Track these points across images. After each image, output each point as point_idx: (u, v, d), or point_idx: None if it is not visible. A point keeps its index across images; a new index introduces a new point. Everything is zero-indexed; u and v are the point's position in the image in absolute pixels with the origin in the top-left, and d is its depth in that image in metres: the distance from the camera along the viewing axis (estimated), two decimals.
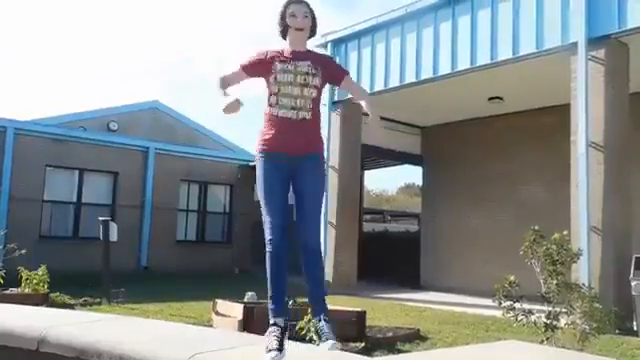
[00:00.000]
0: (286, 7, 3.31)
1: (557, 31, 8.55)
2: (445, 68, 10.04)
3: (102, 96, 75.46)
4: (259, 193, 3.20)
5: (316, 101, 3.25)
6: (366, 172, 17.77)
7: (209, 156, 17.31)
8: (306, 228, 3.19)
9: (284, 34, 3.35)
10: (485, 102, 11.65)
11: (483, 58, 9.52)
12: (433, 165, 14.04)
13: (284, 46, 3.35)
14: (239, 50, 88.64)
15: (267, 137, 3.19)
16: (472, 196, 12.81)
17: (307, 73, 3.20)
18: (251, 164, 17.16)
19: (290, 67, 3.20)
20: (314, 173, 3.23)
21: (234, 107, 3.10)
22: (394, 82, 10.92)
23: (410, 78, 10.62)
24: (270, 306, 3.09)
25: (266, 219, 3.12)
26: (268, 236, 3.11)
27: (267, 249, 3.11)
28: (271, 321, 3.02)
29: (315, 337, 3.09)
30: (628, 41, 8.12)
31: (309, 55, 3.32)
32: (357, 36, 11.61)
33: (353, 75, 11.63)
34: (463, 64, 9.79)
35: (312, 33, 3.38)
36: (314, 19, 3.35)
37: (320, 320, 3.07)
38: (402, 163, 16.15)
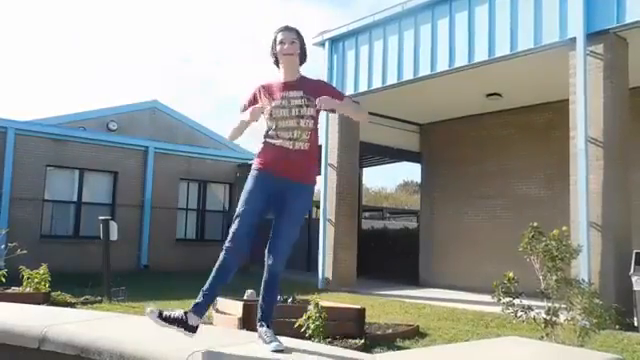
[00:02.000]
0: (275, 36, 3.41)
1: (555, 26, 8.51)
2: (443, 65, 10.00)
3: (101, 96, 75.45)
4: (240, 200, 3.30)
5: (313, 130, 3.33)
6: (365, 169, 17.80)
7: (208, 155, 17.32)
8: (275, 251, 3.26)
9: (277, 63, 3.43)
10: (483, 98, 11.61)
11: (481, 54, 9.48)
12: (432, 162, 14.02)
13: (277, 76, 3.42)
14: (237, 51, 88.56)
15: (262, 159, 3.30)
16: (471, 193, 12.79)
17: (300, 105, 3.27)
18: (250, 162, 17.15)
19: (284, 102, 3.28)
20: (300, 201, 3.30)
21: (256, 113, 3.22)
22: (392, 79, 10.88)
23: (408, 75, 10.59)
24: (197, 300, 3.16)
25: (232, 226, 3.22)
26: (227, 243, 3.20)
27: (222, 254, 3.20)
28: (182, 312, 3.08)
29: (261, 341, 3.16)
30: (627, 36, 8.09)
31: (302, 84, 3.37)
32: (354, 34, 11.57)
33: (351, 73, 11.65)
34: (461, 61, 9.75)
35: (303, 58, 3.45)
36: (303, 45, 3.43)
37: (262, 326, 3.18)
38: (401, 160, 16.16)
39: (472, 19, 9.64)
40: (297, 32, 3.43)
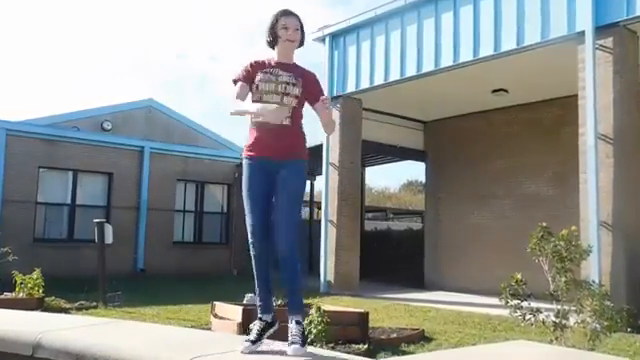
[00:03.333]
0: (278, 18, 3.39)
1: (563, 20, 8.41)
2: (447, 60, 9.90)
3: (94, 95, 75.44)
4: (243, 195, 3.34)
5: (297, 110, 3.35)
6: (367, 169, 17.69)
7: (205, 155, 17.22)
8: (278, 232, 3.27)
9: (273, 44, 3.43)
10: (489, 95, 11.51)
11: (486, 49, 9.37)
12: (436, 161, 13.91)
13: (271, 56, 3.45)
14: (232, 46, 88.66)
15: (251, 142, 3.33)
16: (477, 192, 12.69)
17: (287, 82, 3.31)
18: None
19: (272, 77, 3.33)
20: (293, 178, 3.32)
21: (272, 114, 3.24)
22: (395, 76, 10.79)
23: (411, 71, 10.50)
24: (258, 303, 3.35)
25: (247, 221, 3.29)
26: (250, 238, 3.28)
27: (250, 251, 3.29)
28: (259, 316, 3.28)
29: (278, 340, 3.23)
30: (637, 29, 8.01)
31: (294, 68, 3.43)
32: (356, 29, 11.47)
33: (352, 69, 11.51)
34: (466, 56, 9.65)
35: (300, 44, 3.49)
36: (303, 32, 3.47)
37: (291, 322, 3.16)
38: (404, 159, 16.05)
39: (477, 13, 9.53)
40: (299, 18, 3.44)
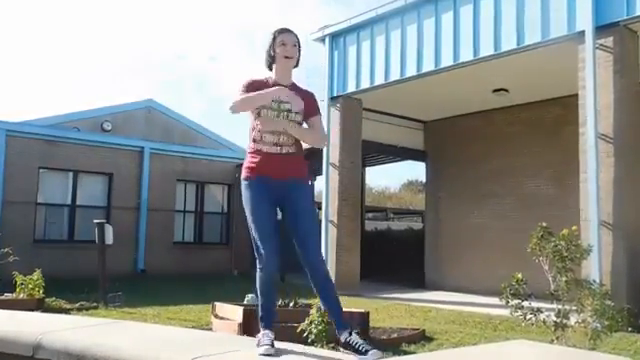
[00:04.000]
0: (275, 36, 3.39)
1: (563, 19, 8.38)
2: (447, 60, 9.86)
3: (94, 95, 75.23)
4: (248, 218, 3.28)
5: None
6: (367, 168, 17.66)
7: (206, 155, 17.20)
8: (308, 252, 3.27)
9: (270, 63, 3.42)
10: (490, 94, 11.48)
11: (486, 49, 9.33)
12: (437, 160, 13.88)
13: (269, 76, 3.43)
14: (232, 46, 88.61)
15: (252, 165, 3.30)
16: (477, 192, 12.66)
17: (289, 111, 3.30)
18: None
19: (274, 105, 3.28)
20: (302, 193, 3.33)
21: (281, 124, 3.28)
22: (395, 76, 10.75)
23: (411, 71, 10.46)
24: (261, 322, 3.29)
25: (258, 244, 3.22)
26: (260, 262, 3.24)
27: (259, 273, 3.27)
28: (265, 326, 3.26)
29: (352, 353, 3.12)
30: (638, 28, 7.97)
31: (294, 89, 3.40)
32: (356, 29, 11.43)
33: (352, 69, 11.50)
34: (466, 56, 9.60)
35: (297, 63, 3.47)
36: (300, 50, 3.45)
37: (351, 334, 3.16)
38: (405, 159, 16.03)
39: (477, 12, 9.49)
40: (296, 36, 3.45)
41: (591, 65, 7.85)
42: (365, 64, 11.25)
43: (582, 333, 4.64)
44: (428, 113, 13.56)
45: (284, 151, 3.28)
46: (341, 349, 3.19)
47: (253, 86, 3.33)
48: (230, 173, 17.37)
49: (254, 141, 3.31)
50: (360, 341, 3.09)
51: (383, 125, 13.03)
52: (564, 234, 4.93)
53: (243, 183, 3.32)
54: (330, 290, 3.32)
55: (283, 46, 3.35)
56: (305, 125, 3.45)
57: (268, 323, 3.27)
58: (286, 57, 3.36)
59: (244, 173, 3.33)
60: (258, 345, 3.06)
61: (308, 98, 3.49)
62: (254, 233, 3.24)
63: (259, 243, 3.22)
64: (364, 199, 17.13)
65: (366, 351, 3.00)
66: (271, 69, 3.44)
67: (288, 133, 3.28)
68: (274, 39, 3.37)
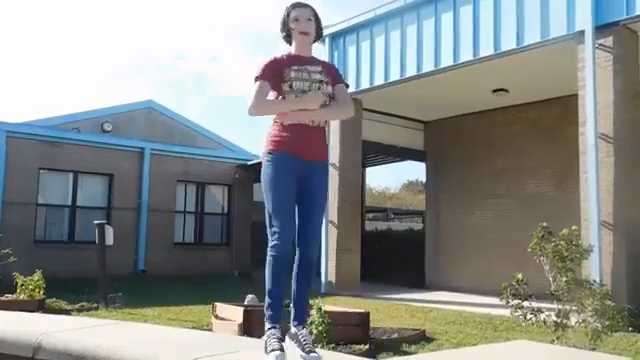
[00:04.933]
0: (289, 11, 3.23)
1: (563, 19, 8.39)
2: (447, 60, 9.87)
3: (94, 96, 75.25)
4: (267, 195, 3.06)
5: None
6: (367, 169, 17.65)
7: (206, 156, 17.17)
8: (308, 237, 3.12)
9: (289, 39, 3.27)
10: (489, 94, 11.46)
11: (486, 49, 9.34)
12: (437, 161, 13.86)
13: (289, 51, 3.26)
14: (231, 47, 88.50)
15: (279, 139, 3.07)
16: (477, 192, 12.64)
17: (321, 81, 3.13)
18: (249, 163, 17.01)
19: (304, 74, 3.12)
20: (322, 181, 3.19)
21: (314, 101, 3.07)
22: (395, 76, 10.75)
23: (411, 71, 10.46)
24: (268, 312, 3.01)
25: (275, 222, 3.00)
26: (275, 241, 2.98)
27: (271, 253, 3.00)
28: (268, 326, 2.96)
29: (295, 344, 2.94)
30: (637, 28, 7.98)
31: (318, 61, 3.27)
32: (355, 30, 11.44)
33: (352, 70, 11.49)
34: (466, 56, 9.61)
35: (317, 37, 3.30)
36: (319, 22, 3.27)
37: (303, 328, 2.99)
38: (405, 159, 16.01)
39: (477, 12, 9.50)
40: (312, 9, 3.25)
41: (591, 65, 7.86)
42: (365, 64, 11.25)
43: (582, 333, 4.67)
44: (428, 113, 13.53)
45: (316, 123, 3.10)
46: (287, 339, 2.95)
47: (272, 66, 3.11)
48: (230, 174, 17.37)
49: (285, 113, 3.10)
50: (309, 339, 2.93)
51: (383, 125, 13.02)
52: (564, 234, 4.95)
53: (266, 156, 3.08)
54: (308, 279, 3.15)
55: (297, 22, 3.18)
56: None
57: (276, 317, 2.97)
58: (301, 33, 3.19)
59: (269, 146, 3.08)
60: (266, 351, 2.82)
61: (333, 68, 3.39)
62: (270, 208, 3.03)
63: (274, 218, 3.00)
64: (364, 199, 17.14)
65: (310, 351, 2.83)
66: (290, 44, 3.26)
67: (322, 106, 3.09)
68: (288, 15, 3.22)
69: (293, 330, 2.99)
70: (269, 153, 3.07)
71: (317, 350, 2.93)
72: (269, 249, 3.01)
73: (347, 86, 3.32)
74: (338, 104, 3.22)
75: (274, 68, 3.11)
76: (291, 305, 3.12)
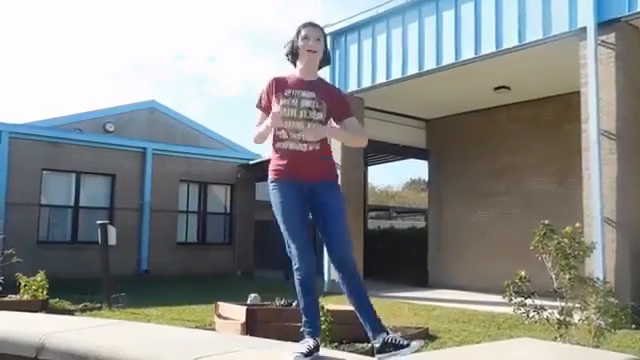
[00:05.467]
0: (299, 30, 3.29)
1: (565, 16, 8.33)
2: (449, 58, 9.81)
3: (96, 97, 75.31)
4: (279, 220, 3.16)
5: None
6: (370, 167, 17.63)
7: (208, 155, 17.17)
8: (336, 253, 3.16)
9: (294, 59, 3.31)
10: (491, 92, 11.41)
11: (488, 46, 9.28)
12: (439, 159, 13.82)
13: (293, 73, 3.32)
14: (232, 47, 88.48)
15: (279, 167, 3.19)
16: (480, 190, 12.60)
17: (310, 108, 3.17)
18: (251, 162, 17.01)
19: (293, 101, 3.17)
20: (331, 199, 3.22)
21: (276, 118, 3.13)
22: (396, 74, 10.69)
23: (413, 69, 10.41)
24: (307, 329, 3.08)
25: (292, 246, 3.10)
26: (296, 264, 3.08)
27: (296, 276, 3.11)
28: (310, 336, 3.05)
29: (394, 351, 2.95)
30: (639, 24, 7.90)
31: (317, 86, 3.27)
32: (357, 28, 11.39)
33: (354, 68, 11.48)
34: (467, 53, 9.56)
35: (324, 62, 3.35)
36: (326, 46, 3.33)
37: (388, 334, 3.01)
38: (407, 157, 15.98)
39: (478, 10, 9.45)
40: (322, 30, 3.32)
41: (593, 61, 7.80)
42: (366, 63, 11.21)
43: (586, 331, 4.61)
44: (430, 111, 13.50)
45: (310, 148, 3.16)
46: (376, 356, 2.94)
47: (274, 87, 3.23)
48: (233, 173, 17.37)
49: (280, 140, 3.20)
50: (398, 337, 2.97)
51: (385, 124, 12.98)
52: (567, 231, 4.89)
53: (270, 185, 3.22)
54: (359, 288, 3.17)
55: (306, 40, 3.23)
56: (334, 124, 3.34)
57: (311, 329, 3.06)
58: (309, 51, 3.23)
59: (271, 175, 3.22)
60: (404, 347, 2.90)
61: (339, 97, 3.42)
62: (284, 233, 3.14)
63: (290, 242, 3.10)
64: (367, 198, 17.13)
65: (407, 344, 2.89)
66: (295, 65, 3.32)
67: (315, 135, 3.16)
68: (298, 33, 3.27)
69: (377, 344, 2.98)
70: (271, 182, 3.21)
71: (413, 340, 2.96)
72: (294, 271, 3.11)
73: (352, 115, 3.37)
74: (354, 131, 3.37)
75: (270, 93, 3.24)
76: (361, 321, 3.12)
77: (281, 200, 3.14)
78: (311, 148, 3.16)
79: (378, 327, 3.05)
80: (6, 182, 13.54)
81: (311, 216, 3.23)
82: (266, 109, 3.27)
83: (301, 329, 3.10)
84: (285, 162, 3.17)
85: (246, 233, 17.21)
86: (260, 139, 3.28)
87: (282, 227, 3.14)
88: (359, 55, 11.36)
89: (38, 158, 14.11)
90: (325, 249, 3.20)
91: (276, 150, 3.22)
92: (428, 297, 10.32)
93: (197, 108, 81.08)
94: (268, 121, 3.17)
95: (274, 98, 3.21)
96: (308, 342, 2.97)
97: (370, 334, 3.05)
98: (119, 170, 15.39)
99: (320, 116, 3.19)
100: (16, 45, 75.78)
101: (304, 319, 3.10)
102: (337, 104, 3.31)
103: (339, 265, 3.15)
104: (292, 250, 3.09)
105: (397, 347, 2.90)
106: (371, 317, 3.09)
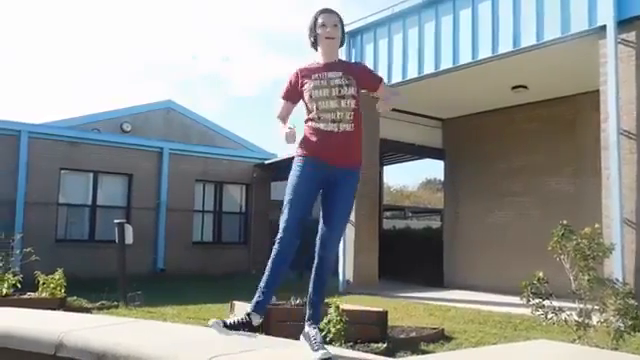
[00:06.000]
0: (316, 17, 3.40)
1: (584, 14, 8.25)
2: (466, 57, 9.76)
3: (112, 97, 75.85)
4: (287, 190, 3.23)
5: (356, 111, 3.28)
6: (385, 167, 17.59)
7: (224, 155, 17.24)
8: (329, 241, 3.25)
9: (315, 45, 3.42)
10: (508, 92, 11.32)
11: (505, 45, 9.21)
12: (455, 159, 13.72)
13: (315, 58, 3.43)
14: (246, 46, 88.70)
15: (307, 144, 3.24)
16: (496, 190, 12.50)
17: (340, 85, 3.25)
18: (267, 162, 17.06)
19: (323, 82, 3.26)
20: (350, 187, 3.27)
21: (292, 136, 3.20)
22: (412, 73, 10.67)
23: (429, 69, 10.37)
24: (257, 299, 3.14)
25: (283, 215, 3.16)
26: (280, 233, 3.14)
27: (275, 246, 3.15)
28: (248, 312, 3.09)
29: (307, 342, 3.12)
30: None
31: (341, 65, 3.40)
32: (373, 27, 11.38)
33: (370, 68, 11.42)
34: (484, 52, 9.50)
35: (341, 43, 3.46)
36: (343, 29, 3.44)
37: (315, 328, 3.16)
38: (423, 157, 15.92)
39: (496, 8, 9.39)
40: (338, 15, 3.42)
41: (613, 60, 7.72)
42: (382, 62, 11.18)
43: (605, 333, 4.59)
44: (446, 111, 13.42)
45: (341, 129, 3.20)
46: (301, 337, 3.16)
47: (294, 81, 3.35)
48: (248, 173, 17.42)
49: (312, 120, 3.26)
50: (319, 338, 3.08)
51: (401, 123, 12.93)
52: (586, 232, 4.86)
53: (296, 157, 3.27)
54: (325, 280, 3.31)
55: (324, 27, 3.35)
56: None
57: (261, 306, 3.12)
58: (327, 38, 3.36)
59: (298, 150, 3.26)
60: (312, 348, 3.00)
61: (363, 69, 3.55)
62: (285, 203, 3.19)
63: (283, 213, 3.15)
64: (382, 198, 17.09)
65: (317, 349, 2.97)
66: (317, 50, 3.44)
67: (344, 109, 3.22)
68: (315, 21, 3.38)
69: (307, 329, 3.15)
70: (297, 155, 3.26)
71: (327, 347, 3.04)
72: (275, 241, 3.17)
73: (381, 80, 3.49)
74: (392, 91, 3.64)
75: (295, 83, 3.34)
76: (306, 305, 3.30)
77: (297, 175, 3.20)
78: (342, 129, 3.21)
79: (317, 318, 3.26)
80: (25, 181, 13.69)
81: (321, 193, 3.28)
82: (291, 99, 3.38)
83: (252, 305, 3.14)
84: (314, 140, 3.22)
85: (261, 233, 17.24)
86: (287, 140, 3.30)
87: (286, 195, 3.20)
88: (375, 55, 11.34)
89: (56, 158, 14.25)
90: (319, 224, 3.27)
91: (307, 129, 3.28)
92: (443, 297, 10.26)
93: (213, 108, 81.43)
94: (283, 133, 3.24)
95: (303, 84, 3.31)
96: (244, 319, 3.06)
97: (308, 319, 3.22)
98: (136, 170, 15.50)
99: (352, 90, 3.27)
100: (35, 46, 76.83)
101: (260, 293, 3.15)
102: (365, 75, 3.44)
103: (321, 247, 3.24)
104: (281, 223, 3.16)
105: (310, 344, 3.04)
106: (318, 307, 3.29)
